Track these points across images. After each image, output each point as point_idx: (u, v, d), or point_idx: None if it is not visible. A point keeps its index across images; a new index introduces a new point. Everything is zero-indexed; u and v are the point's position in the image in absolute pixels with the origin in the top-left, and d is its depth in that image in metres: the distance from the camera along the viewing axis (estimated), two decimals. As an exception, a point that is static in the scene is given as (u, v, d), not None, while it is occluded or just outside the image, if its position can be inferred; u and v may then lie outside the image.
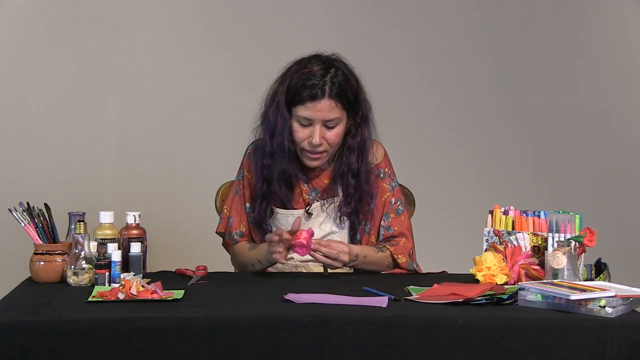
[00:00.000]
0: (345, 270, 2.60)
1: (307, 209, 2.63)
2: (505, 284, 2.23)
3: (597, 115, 4.40)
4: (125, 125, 3.98)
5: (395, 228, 2.63)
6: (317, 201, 2.64)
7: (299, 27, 4.07)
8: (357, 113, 2.58)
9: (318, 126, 2.51)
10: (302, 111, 2.51)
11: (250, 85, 3.97)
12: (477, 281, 2.24)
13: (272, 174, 2.59)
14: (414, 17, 4.23)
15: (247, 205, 2.66)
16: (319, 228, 2.62)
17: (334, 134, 2.54)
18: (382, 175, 2.67)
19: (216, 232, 2.73)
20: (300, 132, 2.53)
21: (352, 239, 2.65)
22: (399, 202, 2.67)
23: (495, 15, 4.31)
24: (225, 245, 2.74)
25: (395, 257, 2.59)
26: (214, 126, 4.04)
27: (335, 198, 2.64)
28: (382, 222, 2.64)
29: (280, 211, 2.63)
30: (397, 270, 2.62)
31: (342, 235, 2.64)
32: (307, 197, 2.65)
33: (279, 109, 2.54)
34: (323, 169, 2.67)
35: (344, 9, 4.17)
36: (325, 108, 2.50)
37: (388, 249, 2.60)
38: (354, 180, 2.60)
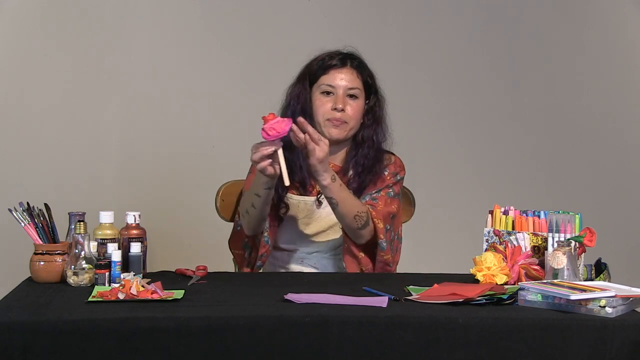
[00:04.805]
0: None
1: (318, 197, 2.65)
2: (505, 284, 2.23)
3: (598, 115, 4.41)
4: (125, 126, 3.98)
5: (380, 203, 2.63)
6: None
7: (299, 27, 4.08)
8: (375, 101, 2.68)
9: (341, 93, 2.61)
10: (326, 79, 2.62)
11: (251, 85, 4.02)
12: (477, 281, 2.24)
13: (292, 153, 2.58)
14: (414, 18, 4.24)
15: None
16: (327, 217, 2.64)
17: (356, 106, 2.62)
18: (385, 172, 2.69)
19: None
20: (323, 103, 2.61)
21: None
22: (392, 190, 2.68)
23: (495, 16, 4.31)
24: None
25: (375, 221, 2.58)
26: (214, 126, 4.05)
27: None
28: (371, 193, 2.64)
29: (292, 196, 2.65)
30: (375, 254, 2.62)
31: None
32: (318, 188, 2.66)
33: (301, 90, 2.63)
34: (337, 165, 2.68)
35: (344, 9, 4.17)
36: (349, 77, 2.62)
37: (367, 207, 2.58)
38: (365, 160, 2.64)
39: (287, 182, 2.32)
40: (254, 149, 2.34)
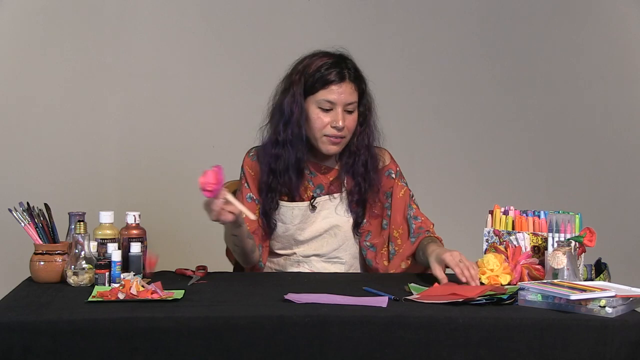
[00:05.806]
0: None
1: (312, 201, 2.63)
2: (509, 284, 2.23)
3: (597, 115, 4.41)
4: (126, 125, 3.98)
5: (422, 218, 2.65)
6: (322, 196, 2.65)
7: (299, 27, 4.08)
8: (365, 104, 2.63)
9: (340, 109, 2.55)
10: (325, 95, 2.54)
11: (251, 85, 4.01)
12: (479, 283, 2.24)
13: (282, 164, 2.58)
14: (414, 17, 4.24)
15: (250, 194, 2.64)
16: (323, 221, 2.63)
17: (352, 119, 2.59)
18: (393, 175, 2.69)
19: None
20: (321, 118, 2.55)
21: (355, 230, 2.66)
22: (412, 195, 2.70)
23: (495, 16, 4.31)
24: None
25: (438, 238, 2.61)
26: (214, 126, 4.05)
27: (341, 194, 2.65)
28: (409, 213, 2.65)
29: (284, 204, 2.63)
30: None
31: (346, 228, 2.64)
32: (311, 193, 2.65)
33: (295, 99, 2.56)
34: (328, 167, 2.67)
35: (344, 9, 4.17)
36: (348, 91, 2.55)
37: (436, 237, 2.61)
38: (363, 169, 2.62)
39: (252, 217, 2.34)
40: (206, 210, 2.31)
